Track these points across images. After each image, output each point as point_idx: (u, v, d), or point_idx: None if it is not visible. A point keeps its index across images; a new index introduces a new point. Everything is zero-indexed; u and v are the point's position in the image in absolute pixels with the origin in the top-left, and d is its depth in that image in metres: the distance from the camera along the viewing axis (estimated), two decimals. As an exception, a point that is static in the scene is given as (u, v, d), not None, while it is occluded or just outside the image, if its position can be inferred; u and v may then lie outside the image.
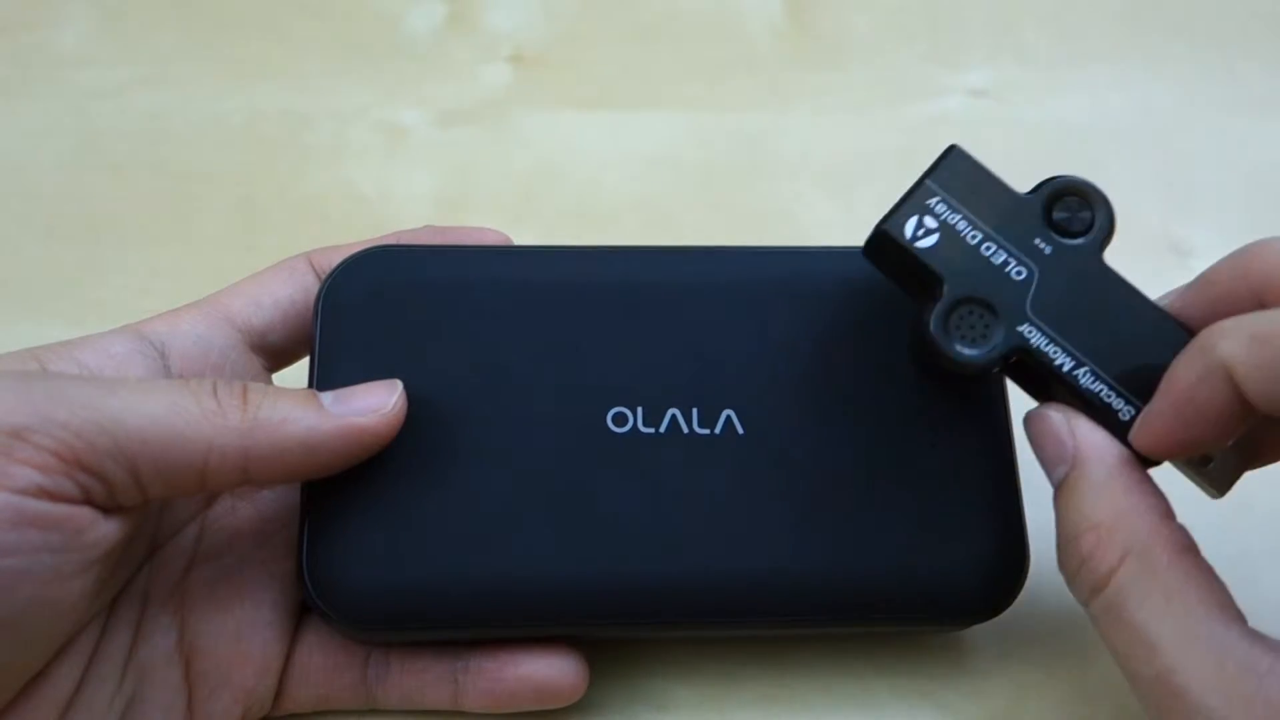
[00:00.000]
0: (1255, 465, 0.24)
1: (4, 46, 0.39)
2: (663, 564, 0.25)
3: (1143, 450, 0.23)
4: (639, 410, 0.26)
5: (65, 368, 0.24)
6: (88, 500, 0.21)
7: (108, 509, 0.22)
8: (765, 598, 0.25)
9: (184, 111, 0.38)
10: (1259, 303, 0.22)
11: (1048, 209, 0.24)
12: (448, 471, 0.25)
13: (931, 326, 0.24)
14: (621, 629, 0.26)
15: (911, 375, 0.27)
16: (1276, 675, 0.19)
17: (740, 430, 0.26)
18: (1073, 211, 0.24)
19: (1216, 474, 0.24)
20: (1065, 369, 0.24)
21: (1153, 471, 0.23)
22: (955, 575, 0.25)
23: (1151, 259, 0.35)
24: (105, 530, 0.22)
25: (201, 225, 0.36)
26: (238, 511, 0.26)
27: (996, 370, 0.24)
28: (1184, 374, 0.22)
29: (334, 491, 0.25)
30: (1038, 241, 0.24)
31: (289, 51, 0.40)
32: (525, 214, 0.36)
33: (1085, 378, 0.24)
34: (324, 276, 0.27)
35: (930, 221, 0.24)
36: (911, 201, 0.24)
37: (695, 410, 0.26)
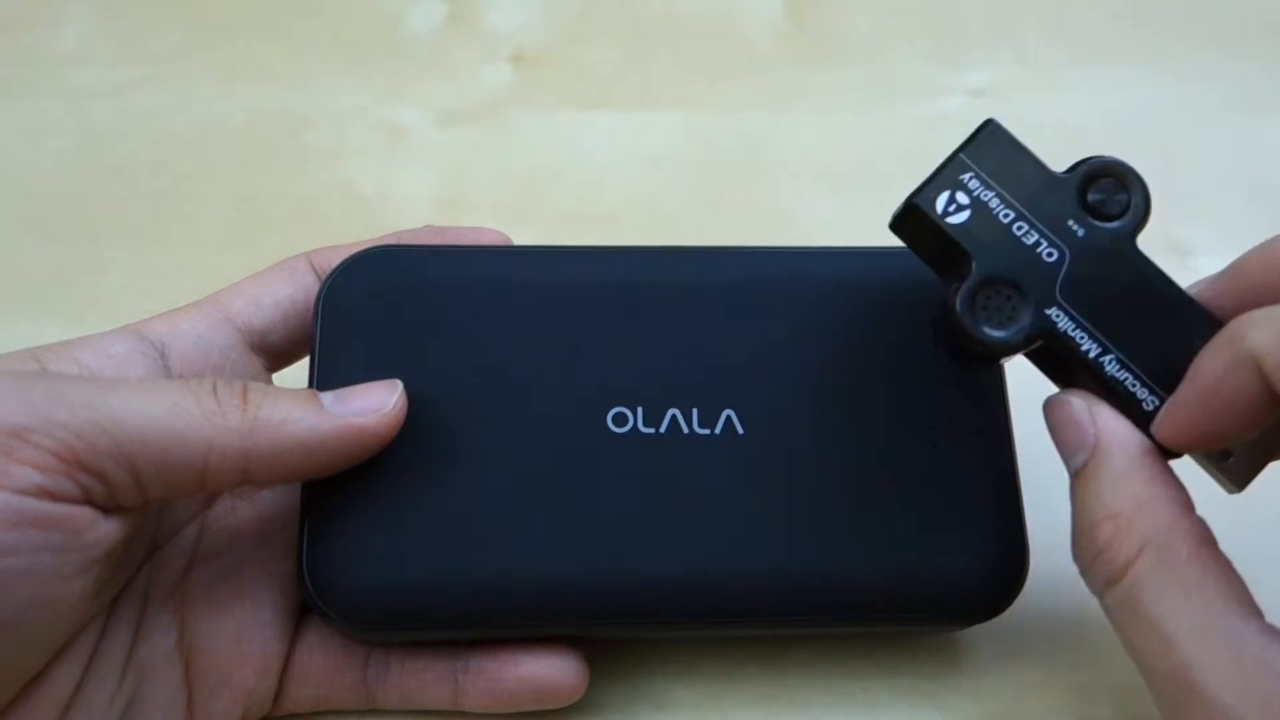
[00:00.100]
0: (1276, 458, 0.24)
1: (4, 46, 0.39)
2: (663, 564, 0.25)
3: (1165, 441, 0.22)
4: (639, 410, 0.26)
5: (65, 368, 0.24)
6: (88, 500, 0.21)
7: (108, 509, 0.22)
8: (765, 598, 0.25)
9: (184, 111, 0.38)
10: None
11: (1083, 190, 0.24)
12: (448, 471, 0.25)
13: (958, 306, 0.23)
14: (621, 629, 0.26)
15: (912, 375, 0.27)
16: None
17: (740, 430, 0.26)
18: (1108, 194, 0.24)
19: (1235, 469, 0.23)
20: (1091, 355, 0.23)
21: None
22: (955, 575, 0.25)
23: (1153, 259, 0.35)
24: (105, 530, 0.22)
25: (201, 225, 0.36)
26: (238, 511, 0.26)
27: (1021, 353, 0.24)
28: (1211, 364, 0.21)
29: (334, 491, 0.25)
30: (1071, 223, 0.24)
31: (289, 51, 0.40)
32: (525, 214, 0.36)
33: (1111, 365, 0.23)
34: (324, 276, 0.27)
35: (962, 197, 0.23)
36: (944, 175, 0.24)
37: (695, 410, 0.26)
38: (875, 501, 0.26)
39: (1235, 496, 0.24)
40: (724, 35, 0.40)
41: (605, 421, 0.26)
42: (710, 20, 0.41)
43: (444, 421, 0.26)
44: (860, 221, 0.36)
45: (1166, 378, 0.23)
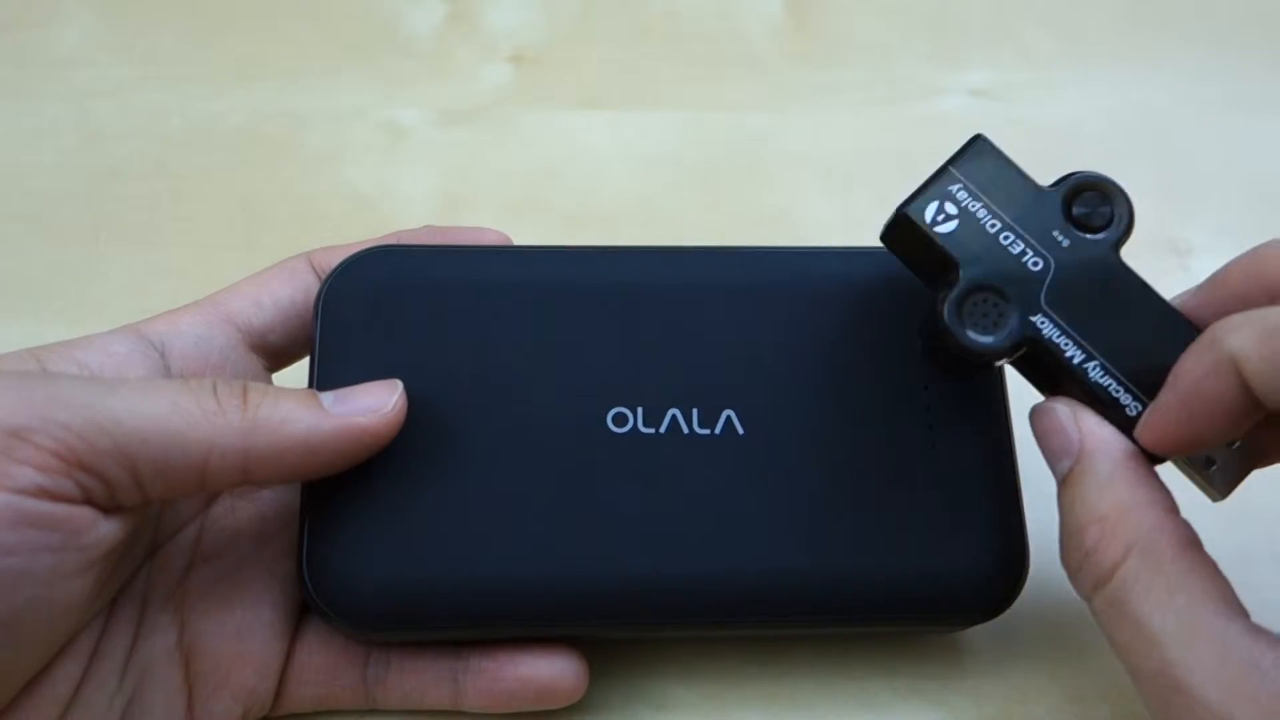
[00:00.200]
0: (1259, 466, 0.24)
1: (4, 46, 0.39)
2: (663, 564, 0.25)
3: (1148, 445, 0.23)
4: (639, 410, 0.26)
5: (65, 368, 0.24)
6: (88, 500, 0.21)
7: (108, 509, 0.22)
8: (765, 598, 0.25)
9: (184, 111, 0.38)
10: (1272, 303, 0.22)
11: (1068, 203, 0.24)
12: (447, 471, 0.25)
13: (945, 312, 0.24)
14: (621, 629, 0.26)
15: (912, 375, 0.27)
16: None
17: (740, 430, 0.26)
18: (1093, 207, 0.24)
19: (1218, 477, 0.24)
20: (1075, 361, 0.24)
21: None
22: (955, 575, 0.25)
23: (1151, 259, 0.35)
24: (105, 530, 0.22)
25: (201, 225, 0.36)
26: (238, 511, 0.26)
27: (1007, 360, 0.24)
28: (1192, 367, 0.21)
29: (334, 491, 0.25)
30: (1056, 234, 0.24)
31: (289, 51, 0.40)
32: (525, 214, 0.36)
33: (1095, 371, 0.24)
34: (324, 276, 0.27)
35: (951, 208, 0.24)
36: (934, 187, 0.24)
37: (695, 410, 0.26)
38: (875, 502, 0.26)
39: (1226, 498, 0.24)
40: (724, 35, 0.40)
41: (605, 421, 0.26)
42: (710, 20, 0.41)
43: (444, 421, 0.26)
44: (860, 221, 0.36)
45: (1149, 384, 0.23)
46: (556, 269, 0.27)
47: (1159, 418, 0.22)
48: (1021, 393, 0.26)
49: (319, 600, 0.24)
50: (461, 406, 0.26)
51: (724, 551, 0.25)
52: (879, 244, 0.27)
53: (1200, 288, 0.24)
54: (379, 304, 0.26)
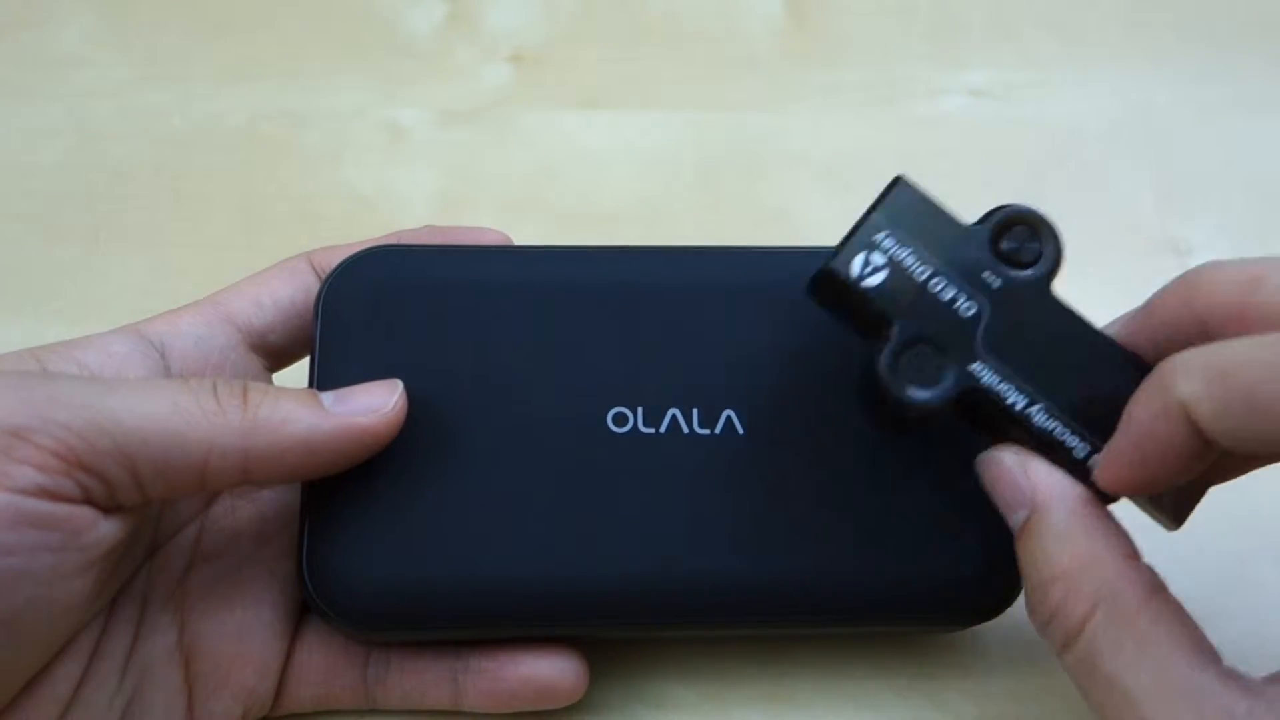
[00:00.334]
0: (1213, 483, 0.24)
1: (4, 46, 0.39)
2: (663, 564, 0.25)
3: (1106, 489, 0.22)
4: (639, 410, 0.26)
5: (65, 368, 0.24)
6: (88, 500, 0.21)
7: (108, 509, 0.22)
8: (765, 598, 0.25)
9: (184, 111, 0.38)
10: (1204, 331, 0.22)
11: (995, 239, 0.24)
12: (448, 471, 0.25)
13: (883, 369, 0.23)
14: (621, 629, 0.26)
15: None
16: (1254, 719, 0.19)
17: (740, 430, 0.26)
18: (1021, 242, 0.24)
19: (1169, 507, 0.23)
20: (1018, 407, 0.23)
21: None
22: (955, 575, 0.25)
23: (1151, 259, 0.35)
24: (105, 530, 0.22)
25: (201, 225, 0.36)
26: (238, 511, 0.26)
27: (948, 412, 0.23)
28: (1142, 412, 0.21)
29: (334, 491, 0.25)
30: (986, 275, 0.24)
31: (289, 51, 0.40)
32: (525, 214, 0.36)
33: (1038, 416, 0.23)
34: (324, 276, 0.27)
35: (878, 258, 0.23)
36: (858, 237, 0.24)
37: (695, 410, 0.26)
38: (876, 501, 0.26)
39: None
40: (724, 35, 0.40)
41: (605, 421, 0.26)
42: (710, 20, 0.41)
43: (444, 421, 0.26)
44: (860, 221, 0.36)
45: (1094, 422, 0.23)
46: (556, 269, 0.27)
47: (1114, 462, 0.22)
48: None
49: (319, 600, 0.24)
50: (461, 406, 0.26)
51: (724, 551, 0.25)
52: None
53: (1135, 314, 0.24)
54: (379, 304, 0.26)
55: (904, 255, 0.23)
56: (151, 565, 0.25)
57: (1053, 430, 0.23)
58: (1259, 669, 0.22)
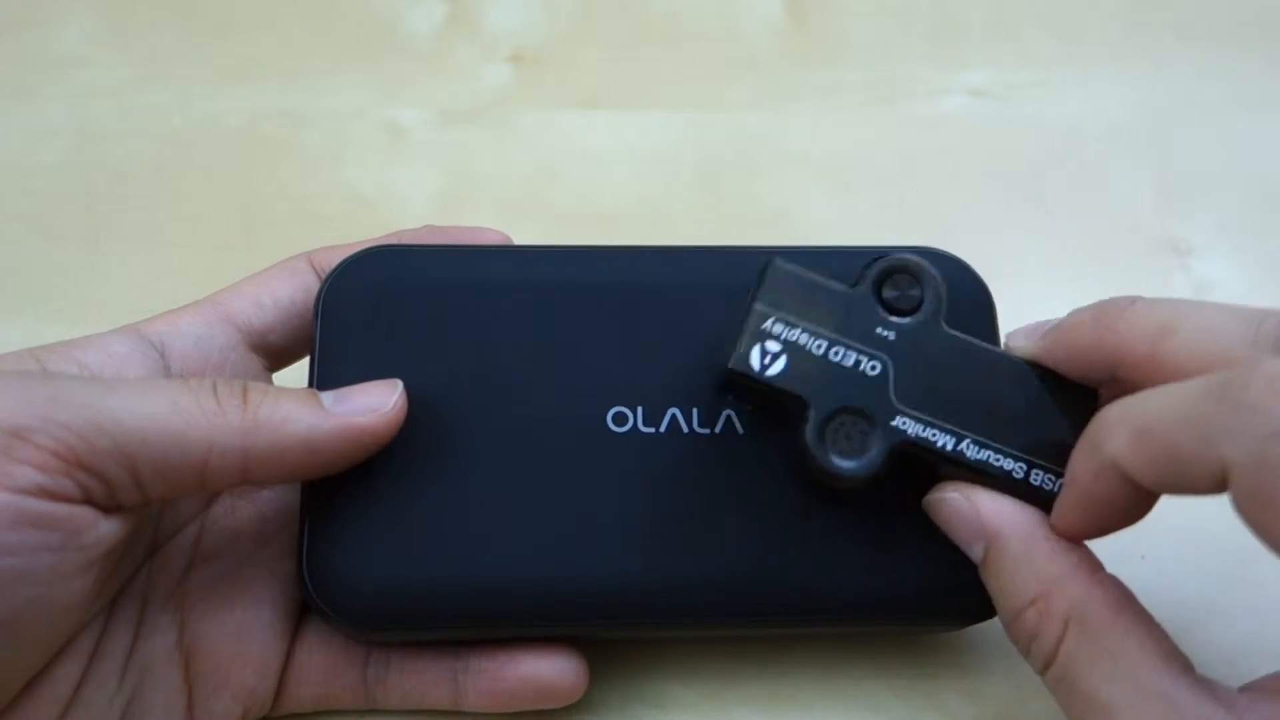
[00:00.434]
0: None
1: (4, 46, 0.39)
2: (662, 564, 0.25)
3: (1065, 536, 0.23)
4: (639, 410, 0.26)
5: (65, 368, 0.24)
6: (88, 500, 0.21)
7: (108, 509, 0.22)
8: (765, 598, 0.25)
9: (184, 111, 0.38)
10: (1112, 371, 0.23)
11: (878, 294, 0.24)
12: (448, 471, 0.25)
13: (811, 449, 0.23)
14: (621, 629, 0.26)
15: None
16: None
17: (740, 430, 0.26)
18: (902, 289, 0.24)
19: None
20: (950, 448, 0.24)
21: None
22: (955, 575, 0.25)
23: (1151, 259, 0.35)
24: (105, 530, 0.22)
25: (201, 225, 0.36)
26: (238, 511, 0.26)
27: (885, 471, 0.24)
28: (1081, 470, 0.22)
29: (334, 491, 0.25)
30: (879, 330, 0.24)
31: (289, 51, 0.40)
32: (525, 214, 0.36)
33: (970, 450, 0.24)
34: (324, 276, 0.27)
35: (773, 345, 0.24)
36: (748, 331, 0.24)
37: (695, 410, 0.26)
38: (874, 500, 0.26)
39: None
40: (724, 35, 0.40)
41: (605, 421, 0.26)
42: (710, 20, 0.41)
43: (444, 421, 0.26)
44: (860, 221, 0.36)
45: (1022, 439, 0.24)
46: (556, 269, 0.27)
47: (1065, 515, 0.23)
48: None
49: (319, 600, 0.24)
50: (461, 406, 0.26)
51: (724, 551, 0.25)
52: (879, 244, 0.27)
53: (1049, 333, 0.24)
54: (379, 304, 0.26)
55: (797, 335, 0.24)
56: (151, 565, 0.25)
57: (987, 459, 0.24)
58: (1259, 669, 0.22)
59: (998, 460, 0.24)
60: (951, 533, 0.24)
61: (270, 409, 0.23)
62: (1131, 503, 0.21)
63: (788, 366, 0.24)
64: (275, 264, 0.28)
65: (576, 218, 0.36)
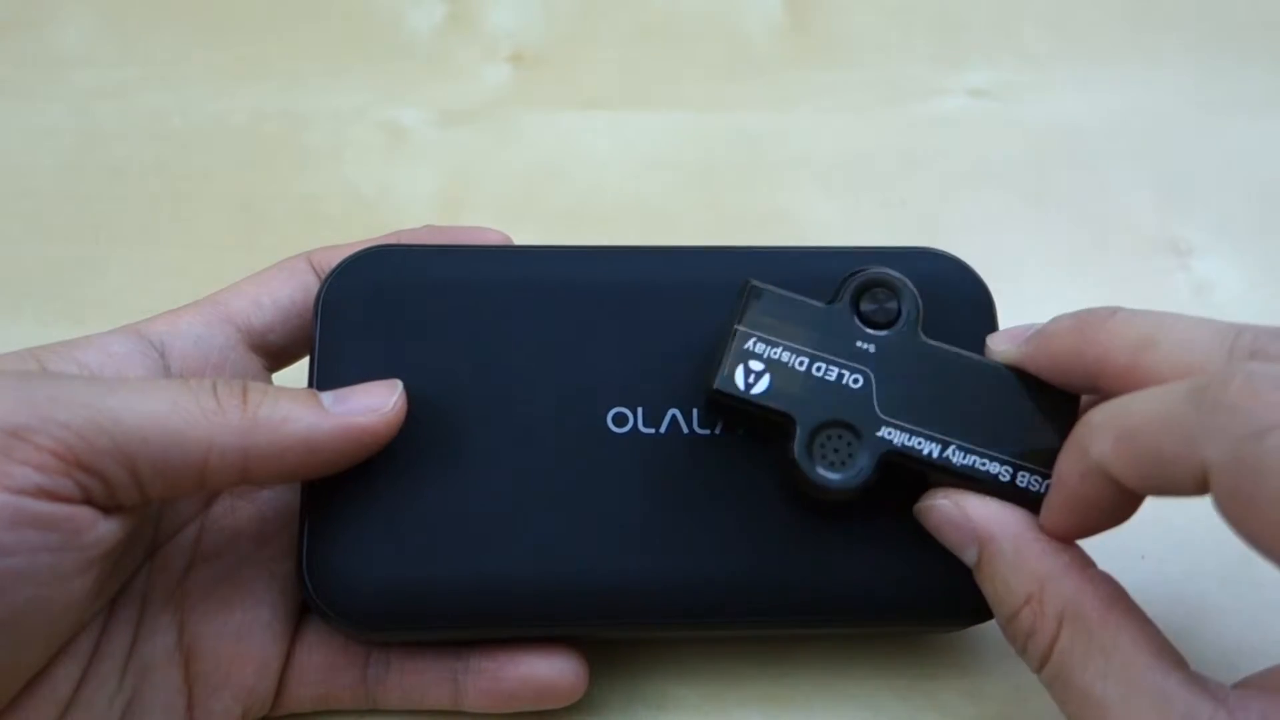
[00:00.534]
0: None
1: (4, 46, 0.39)
2: (663, 564, 0.25)
3: (1054, 537, 0.23)
4: (639, 410, 0.26)
5: (65, 368, 0.24)
6: (87, 500, 0.21)
7: (108, 509, 0.22)
8: (765, 598, 0.25)
9: (184, 111, 0.38)
10: (1092, 381, 0.23)
11: (855, 307, 0.25)
12: (448, 471, 0.25)
13: (800, 464, 0.24)
14: (621, 629, 0.26)
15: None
16: None
17: (740, 430, 0.26)
18: (880, 302, 0.25)
19: None
20: (935, 456, 0.24)
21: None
22: (955, 575, 0.25)
23: (1151, 259, 0.35)
24: (105, 530, 0.22)
25: (201, 225, 0.36)
26: (238, 511, 0.26)
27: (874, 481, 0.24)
28: (1068, 473, 0.22)
29: (334, 491, 0.25)
30: (859, 344, 0.25)
31: (289, 51, 0.40)
32: (525, 214, 0.36)
33: (956, 456, 0.24)
34: (324, 276, 0.27)
35: (756, 365, 0.24)
36: (731, 352, 0.24)
37: (695, 410, 0.26)
38: (874, 500, 0.25)
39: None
40: (724, 35, 0.40)
41: (605, 421, 0.26)
42: (710, 20, 0.41)
43: (444, 421, 0.26)
44: (860, 221, 0.36)
45: (1008, 444, 0.24)
46: (556, 269, 0.27)
47: (1053, 516, 0.23)
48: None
49: (319, 600, 0.24)
50: (461, 406, 0.26)
51: (724, 552, 0.25)
52: (879, 244, 0.27)
53: (1031, 339, 0.25)
54: (379, 304, 0.26)
55: (779, 353, 0.24)
56: (151, 565, 0.25)
57: (973, 465, 0.24)
58: (1258, 668, 0.22)
59: (984, 464, 0.24)
60: (943, 539, 0.24)
61: (270, 409, 0.23)
62: (1118, 504, 0.22)
63: (772, 385, 0.24)
64: (275, 264, 0.28)
65: (576, 218, 0.36)
